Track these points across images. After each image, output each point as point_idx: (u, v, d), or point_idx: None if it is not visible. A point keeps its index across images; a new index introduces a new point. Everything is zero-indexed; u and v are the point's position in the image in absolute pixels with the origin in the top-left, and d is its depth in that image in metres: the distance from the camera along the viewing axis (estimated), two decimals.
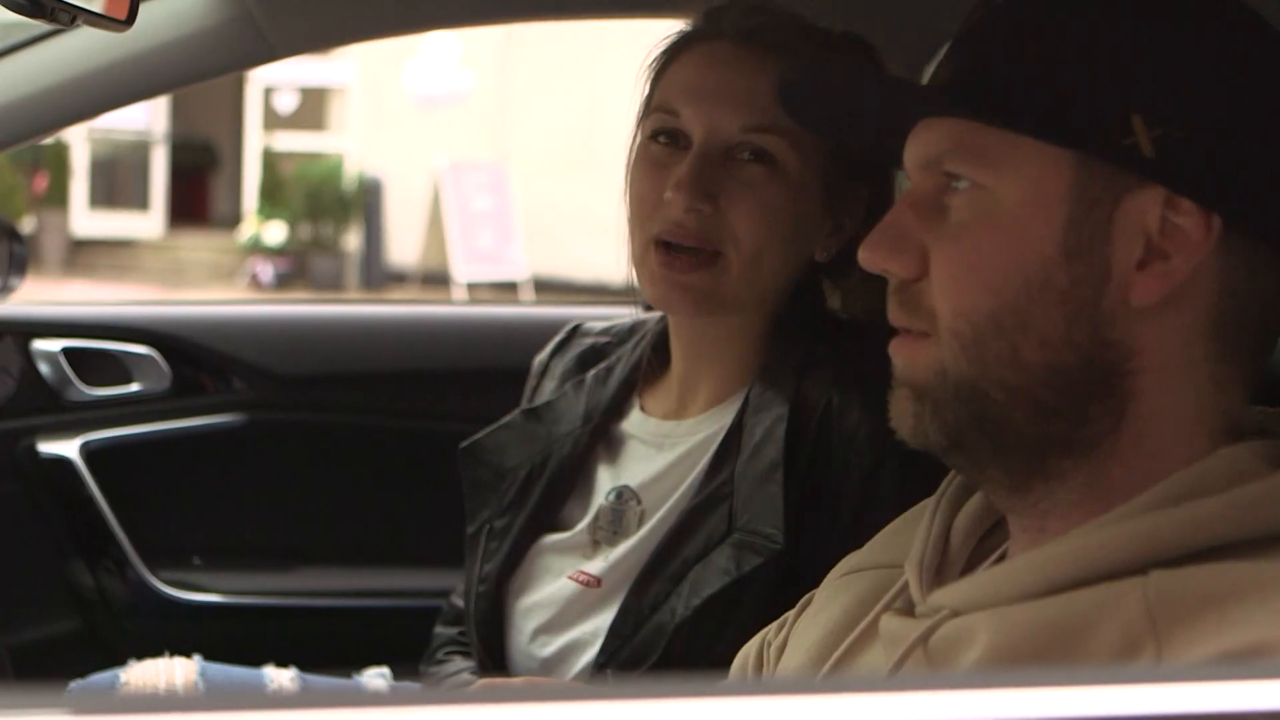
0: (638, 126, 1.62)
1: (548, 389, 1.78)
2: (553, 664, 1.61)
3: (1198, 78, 1.00)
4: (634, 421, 1.68)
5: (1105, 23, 1.01)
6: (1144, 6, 1.02)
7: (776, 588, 1.47)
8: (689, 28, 1.62)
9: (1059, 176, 1.00)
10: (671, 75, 1.59)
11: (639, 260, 1.58)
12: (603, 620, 1.57)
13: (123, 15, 1.45)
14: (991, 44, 1.04)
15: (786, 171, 1.54)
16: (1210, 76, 1.00)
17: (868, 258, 1.07)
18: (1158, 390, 1.01)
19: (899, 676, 1.00)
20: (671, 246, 1.54)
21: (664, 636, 1.50)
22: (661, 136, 1.57)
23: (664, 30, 1.65)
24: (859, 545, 1.26)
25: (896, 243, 1.05)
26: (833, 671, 1.12)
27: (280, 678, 1.93)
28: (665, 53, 1.62)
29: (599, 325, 1.82)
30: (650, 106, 1.60)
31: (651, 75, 1.62)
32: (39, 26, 1.77)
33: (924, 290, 1.04)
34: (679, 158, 1.55)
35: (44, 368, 2.48)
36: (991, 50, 1.04)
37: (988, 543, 1.13)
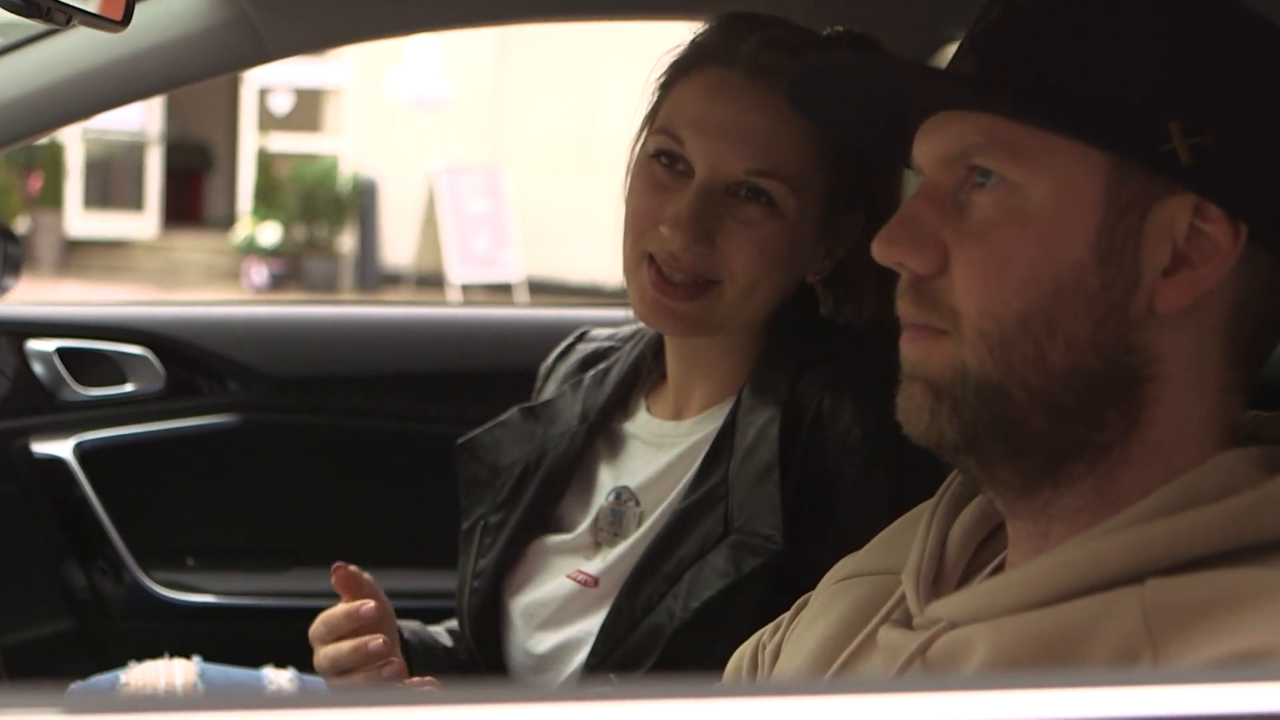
0: (640, 136, 1.61)
1: (549, 391, 1.79)
2: (548, 661, 1.61)
3: (1231, 87, 0.99)
4: (639, 422, 1.68)
5: (1140, 27, 1.00)
6: (1175, 12, 1.01)
7: (771, 589, 1.46)
8: (702, 44, 1.59)
9: (1092, 178, 0.99)
10: (679, 96, 1.57)
11: (631, 271, 1.58)
12: (599, 620, 1.57)
13: (118, 16, 1.45)
14: (1020, 41, 1.02)
15: (785, 213, 1.53)
16: (1242, 86, 1.00)
17: (884, 252, 1.05)
18: (1172, 396, 1.00)
19: (898, 680, 1.00)
20: (665, 271, 1.54)
21: (661, 639, 1.50)
22: (663, 158, 1.56)
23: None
24: (853, 546, 1.25)
25: (915, 238, 1.03)
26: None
27: (279, 678, 1.93)
28: (675, 66, 1.60)
29: (605, 331, 1.83)
30: (655, 124, 1.59)
31: (658, 88, 1.61)
32: (35, 26, 1.77)
33: (943, 287, 1.02)
34: (679, 183, 1.55)
35: (38, 368, 2.47)
36: (1021, 48, 1.02)
37: (984, 552, 1.12)
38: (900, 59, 1.10)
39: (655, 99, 1.61)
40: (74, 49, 1.91)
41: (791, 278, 1.58)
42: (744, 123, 1.53)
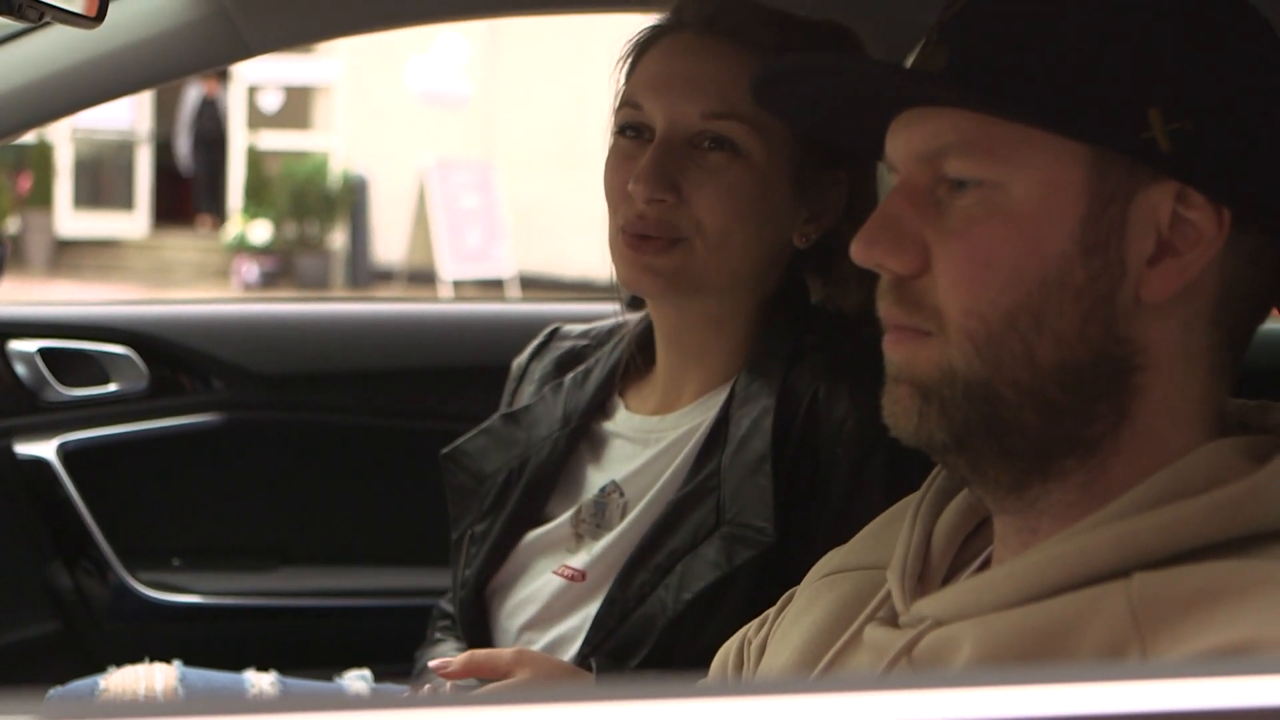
0: (611, 124, 1.62)
1: (527, 393, 1.77)
2: None
3: (1209, 71, 0.98)
4: (619, 420, 1.66)
5: (1114, 12, 0.98)
6: None
7: (763, 580, 1.46)
8: (654, 23, 1.61)
9: (1073, 171, 0.97)
10: (637, 72, 1.60)
11: (611, 246, 1.58)
12: (589, 613, 1.56)
13: (93, 12, 1.44)
14: (991, 31, 1.00)
15: (750, 157, 1.53)
16: (1219, 69, 0.98)
17: (864, 253, 1.03)
18: (1161, 385, 0.99)
19: (886, 677, 0.99)
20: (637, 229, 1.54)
21: (654, 630, 1.49)
22: (628, 130, 1.57)
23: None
24: (848, 537, 1.24)
25: (895, 238, 1.01)
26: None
27: (261, 682, 1.92)
28: (632, 49, 1.62)
29: (578, 328, 1.81)
30: (619, 104, 1.60)
31: (622, 74, 1.62)
32: (8, 25, 1.75)
33: (926, 287, 1.01)
34: (645, 150, 1.55)
35: (20, 369, 2.46)
36: (993, 38, 1.00)
37: (969, 548, 1.11)
38: (867, 59, 1.08)
39: (620, 84, 1.62)
40: (49, 47, 1.89)
41: (769, 233, 1.57)
42: (696, 72, 1.54)
